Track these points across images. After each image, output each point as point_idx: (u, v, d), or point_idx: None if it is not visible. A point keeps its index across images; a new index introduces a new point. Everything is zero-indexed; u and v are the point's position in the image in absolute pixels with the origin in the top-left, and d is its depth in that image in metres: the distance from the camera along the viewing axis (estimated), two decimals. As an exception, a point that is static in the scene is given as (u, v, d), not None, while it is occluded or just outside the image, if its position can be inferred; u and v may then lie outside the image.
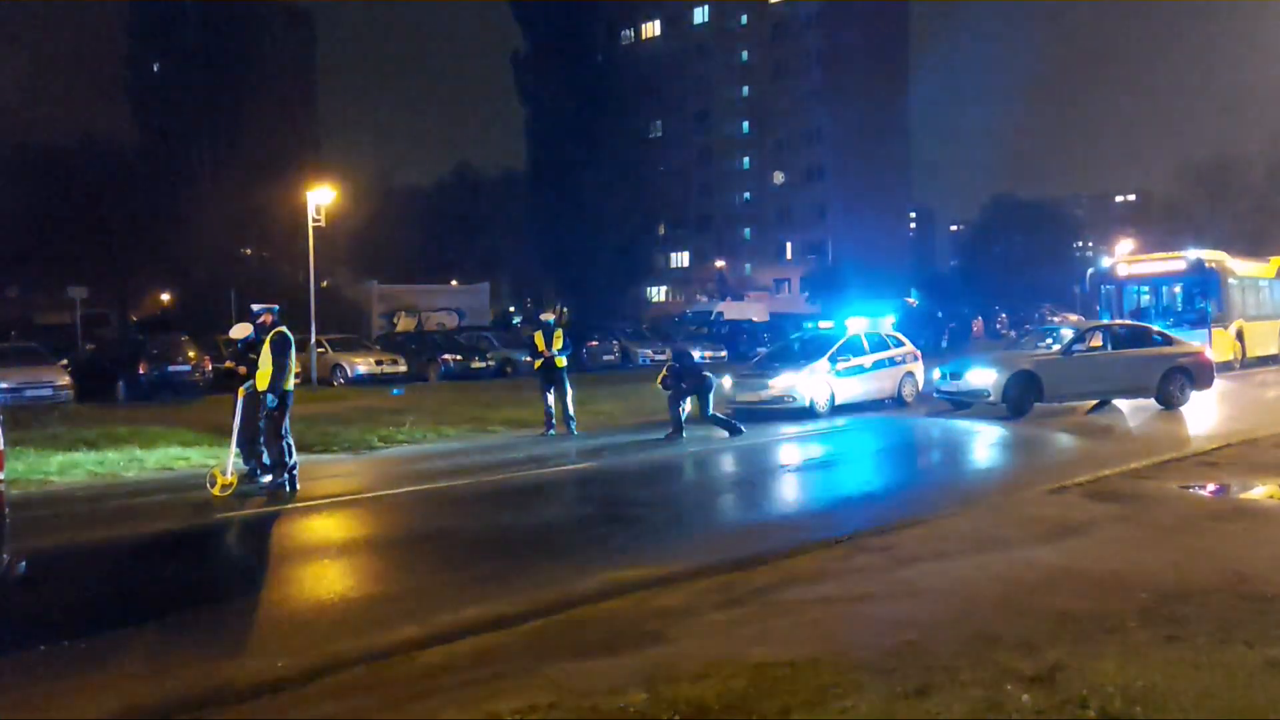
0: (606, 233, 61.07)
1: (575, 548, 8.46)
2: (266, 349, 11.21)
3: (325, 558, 8.42)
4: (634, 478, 12.51)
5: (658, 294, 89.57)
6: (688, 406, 15.53)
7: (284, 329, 11.41)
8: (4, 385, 21.23)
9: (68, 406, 21.15)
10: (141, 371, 25.04)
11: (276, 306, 11.76)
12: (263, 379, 11.15)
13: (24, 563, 5.83)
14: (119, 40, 65.48)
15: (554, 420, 16.22)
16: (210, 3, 59.18)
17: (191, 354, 26.73)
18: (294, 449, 11.43)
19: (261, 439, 11.36)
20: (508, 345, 35.53)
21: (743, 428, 15.41)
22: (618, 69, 69.52)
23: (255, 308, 11.79)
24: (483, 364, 32.66)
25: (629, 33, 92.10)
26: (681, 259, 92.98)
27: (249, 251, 56.18)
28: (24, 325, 41.46)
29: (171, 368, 25.58)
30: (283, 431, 11.23)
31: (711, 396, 15.65)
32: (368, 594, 7.17)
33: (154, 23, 63.78)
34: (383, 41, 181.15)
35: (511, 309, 74.81)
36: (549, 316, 17.38)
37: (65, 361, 25.32)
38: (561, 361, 16.18)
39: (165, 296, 55.94)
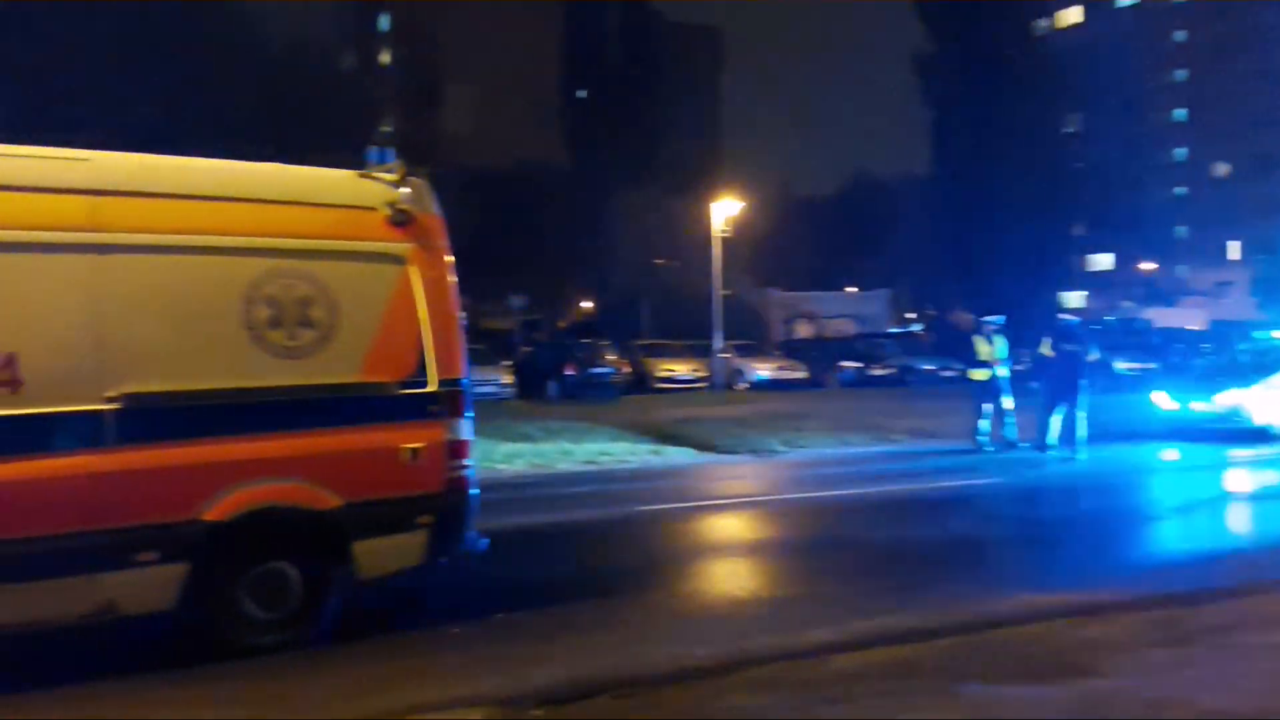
0: (1015, 235, 57.79)
1: (988, 566, 8.10)
2: None
3: (735, 556, 8.75)
4: (1050, 496, 11.73)
5: (1074, 299, 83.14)
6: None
7: None
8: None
9: (510, 403, 23.75)
10: (569, 373, 27.51)
11: None
12: None
13: (486, 540, 6.61)
14: (552, 72, 72.60)
15: (985, 433, 15.07)
16: (630, 29, 63.68)
17: (611, 358, 29.02)
18: None
19: None
20: (907, 352, 34.81)
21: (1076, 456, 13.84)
22: (1030, 62, 65.52)
23: None
24: (882, 371, 32.29)
25: (1044, 22, 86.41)
26: (1102, 261, 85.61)
27: (660, 262, 59.69)
28: (473, 330, 47.11)
29: (593, 370, 27.89)
30: None
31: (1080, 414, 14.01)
32: (778, 594, 7.35)
33: (581, 52, 69.99)
34: (785, 51, 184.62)
35: (911, 315, 73.04)
36: (994, 317, 15.68)
37: (507, 363, 28.45)
38: (1004, 370, 15.04)
39: (588, 304, 60.98)
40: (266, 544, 5.75)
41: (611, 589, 7.31)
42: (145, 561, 5.34)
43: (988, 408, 15.06)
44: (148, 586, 5.37)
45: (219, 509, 5.50)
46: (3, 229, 5.07)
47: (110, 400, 5.24)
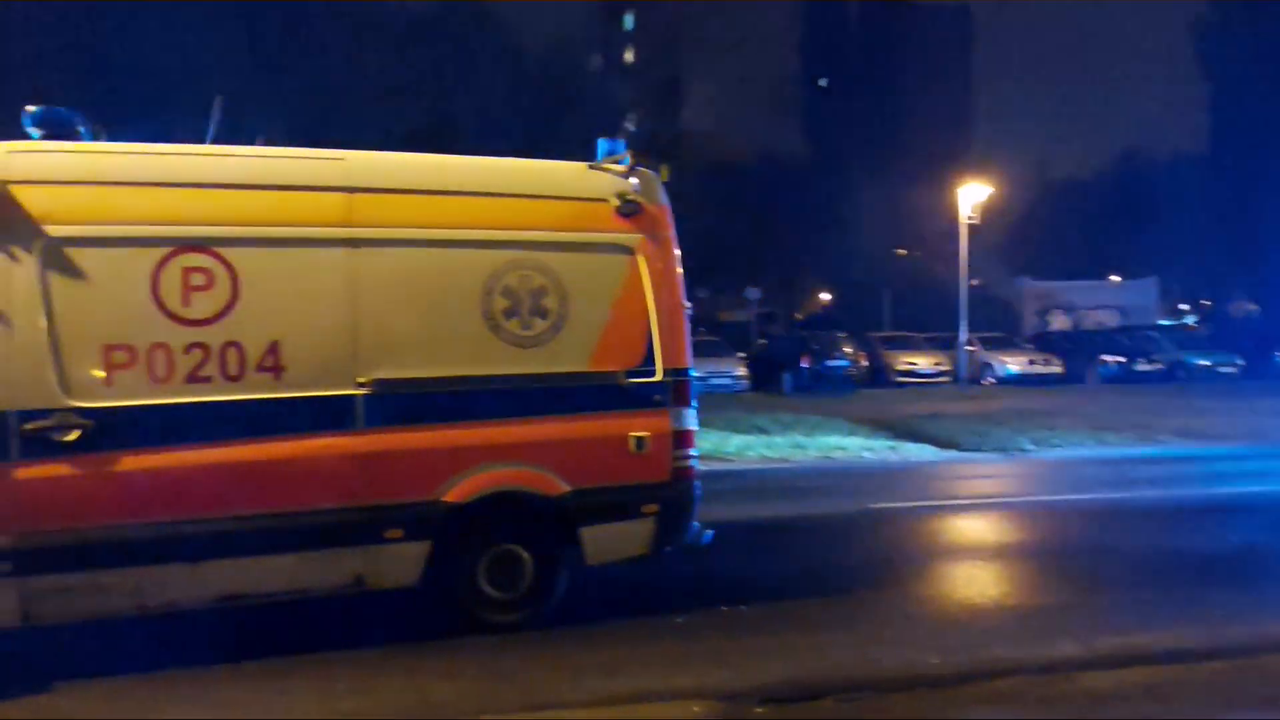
0: (1310, 217, 51.77)
1: (1267, 582, 7.26)
2: None
3: (976, 559, 8.30)
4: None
5: (1380, 289, 73.64)
6: None
7: None
8: (695, 374, 24.48)
9: (743, 395, 23.75)
10: (804, 365, 27.18)
11: None
12: None
13: (711, 532, 6.57)
14: (793, 61, 71.95)
15: None
16: (873, 13, 62.05)
17: (848, 350, 28.45)
18: None
19: None
20: (1179, 346, 32.07)
21: None
22: (1332, 23, 58.43)
23: None
24: (1149, 366, 29.89)
25: (1348, -23, 76.94)
26: None
27: (902, 252, 57.95)
28: (710, 322, 47.56)
29: (829, 362, 27.45)
30: None
31: None
32: (1021, 603, 6.89)
33: (823, 40, 68.84)
34: (1044, 27, 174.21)
35: (1184, 306, 67.24)
36: None
37: (743, 355, 28.47)
38: None
39: (825, 296, 60.03)
40: (501, 526, 5.99)
41: (842, 587, 7.11)
42: (392, 538, 5.66)
43: None
44: (393, 562, 5.70)
45: (458, 491, 5.75)
46: (268, 226, 5.52)
47: (361, 386, 5.59)
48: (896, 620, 6.35)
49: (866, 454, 14.14)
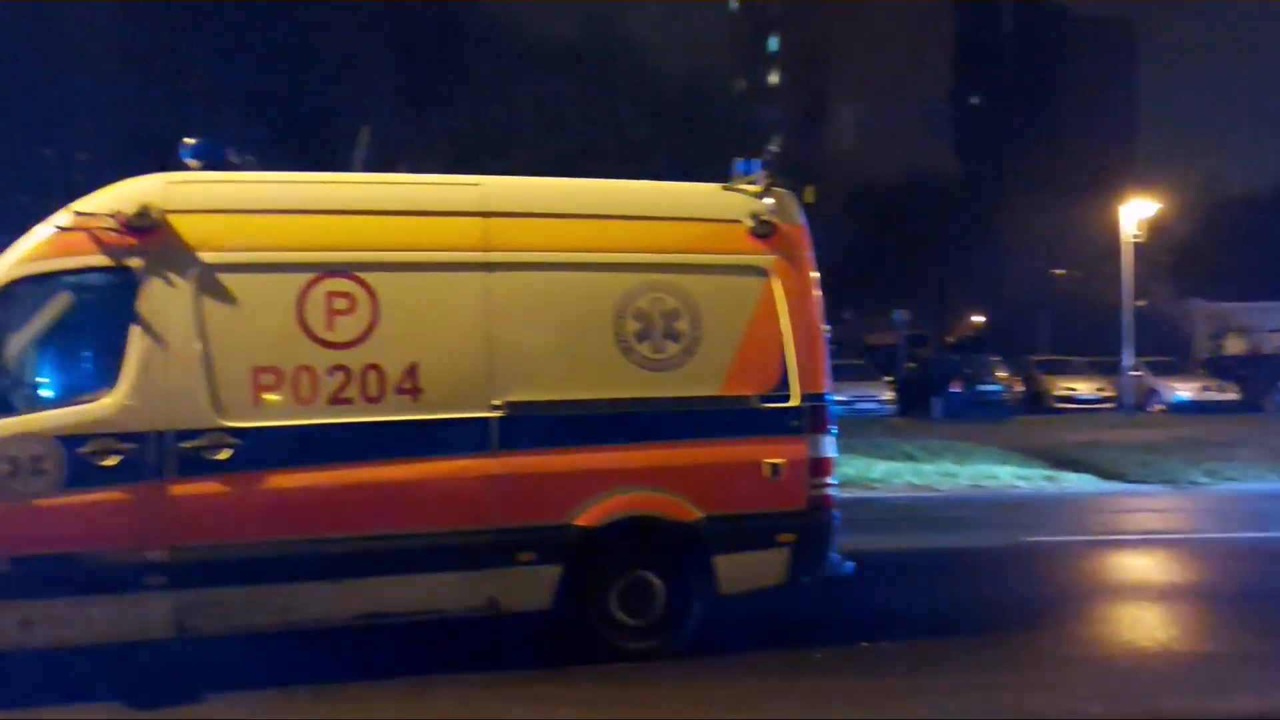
0: None
1: None
2: None
3: (1142, 600, 7.75)
4: None
5: None
6: None
7: None
8: (839, 398, 23.95)
9: (890, 420, 23.11)
10: (955, 390, 26.29)
11: None
12: None
13: (852, 563, 6.31)
14: (944, 79, 70.26)
15: None
16: (1029, 28, 60.12)
17: (1002, 375, 27.44)
18: None
19: None
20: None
21: None
22: None
23: None
24: (1338, 394, 27.67)
25: None
26: None
27: (1061, 272, 55.64)
28: (856, 345, 46.64)
29: (982, 387, 26.48)
30: None
31: None
32: (1192, 649, 6.37)
33: (976, 56, 67.02)
34: (1212, 35, 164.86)
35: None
36: None
37: (890, 378, 27.75)
38: None
39: (978, 318, 58.09)
40: (633, 552, 5.91)
41: (993, 626, 6.73)
42: (525, 562, 5.66)
43: None
44: (526, 585, 5.69)
45: (590, 515, 5.71)
46: (407, 250, 5.63)
47: (496, 408, 5.61)
48: (1053, 663, 5.95)
49: (1022, 484, 13.52)
